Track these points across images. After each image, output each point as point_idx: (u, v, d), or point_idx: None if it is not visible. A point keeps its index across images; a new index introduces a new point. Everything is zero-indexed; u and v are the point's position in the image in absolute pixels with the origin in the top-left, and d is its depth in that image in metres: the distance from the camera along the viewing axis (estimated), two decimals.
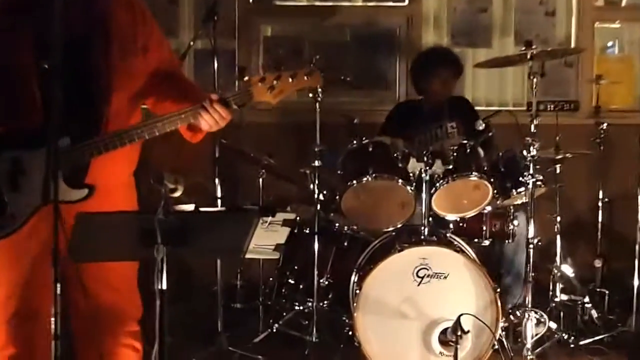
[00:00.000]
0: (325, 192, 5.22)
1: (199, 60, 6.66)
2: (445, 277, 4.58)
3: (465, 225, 5.23)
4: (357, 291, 4.60)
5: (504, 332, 4.76)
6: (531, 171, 4.92)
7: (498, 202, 5.12)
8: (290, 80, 3.16)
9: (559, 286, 5.50)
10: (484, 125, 5.06)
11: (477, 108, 6.27)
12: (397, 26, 7.11)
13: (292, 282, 5.54)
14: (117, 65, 3.19)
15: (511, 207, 5.32)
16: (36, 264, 3.17)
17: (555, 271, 5.56)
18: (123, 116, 3.23)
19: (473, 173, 4.86)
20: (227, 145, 5.33)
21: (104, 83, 3.17)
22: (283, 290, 5.58)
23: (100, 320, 3.32)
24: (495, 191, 4.96)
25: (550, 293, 5.50)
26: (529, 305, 4.89)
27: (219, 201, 5.12)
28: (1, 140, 3.11)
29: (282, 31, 7.26)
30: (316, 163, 5.11)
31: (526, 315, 4.86)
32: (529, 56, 4.97)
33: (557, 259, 5.64)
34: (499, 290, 4.59)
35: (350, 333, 4.72)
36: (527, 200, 5.00)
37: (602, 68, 6.93)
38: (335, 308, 5.25)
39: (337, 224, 5.38)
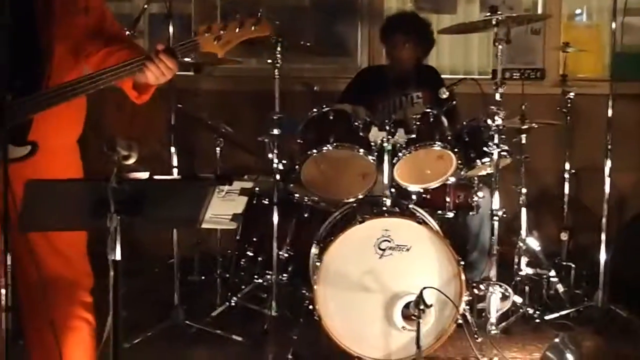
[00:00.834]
0: (284, 161, 5.12)
1: (153, 24, 6.56)
2: (407, 250, 4.51)
3: (428, 196, 5.16)
4: (318, 264, 4.53)
5: (467, 307, 4.70)
6: (496, 141, 4.86)
7: (462, 172, 5.06)
8: (237, 30, 3.12)
9: (524, 260, 5.45)
10: (447, 93, 5.05)
11: (441, 76, 6.17)
12: None
13: (251, 254, 5.52)
14: (58, 22, 3.15)
15: (475, 179, 5.27)
16: None
17: (521, 244, 5.52)
18: (65, 74, 3.17)
19: (436, 142, 4.80)
20: (184, 113, 5.24)
21: (45, 39, 3.14)
22: (241, 263, 5.57)
23: (49, 289, 3.19)
24: (459, 162, 4.90)
25: (515, 267, 5.44)
26: (494, 279, 4.84)
27: (175, 170, 5.03)
28: None
29: None
30: (275, 132, 5.02)
31: (490, 289, 4.80)
32: (494, 22, 4.89)
33: (523, 231, 5.58)
34: (462, 263, 4.53)
35: (310, 307, 4.63)
36: (492, 171, 4.95)
37: (570, 36, 6.87)
38: (295, 281, 5.20)
39: (297, 195, 5.28)
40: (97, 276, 3.36)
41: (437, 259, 4.51)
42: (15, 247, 2.79)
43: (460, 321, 4.54)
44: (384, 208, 4.70)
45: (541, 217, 6.48)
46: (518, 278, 5.37)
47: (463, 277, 4.48)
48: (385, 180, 4.74)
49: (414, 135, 4.77)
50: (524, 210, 5.61)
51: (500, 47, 4.89)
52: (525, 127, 5.47)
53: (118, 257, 2.69)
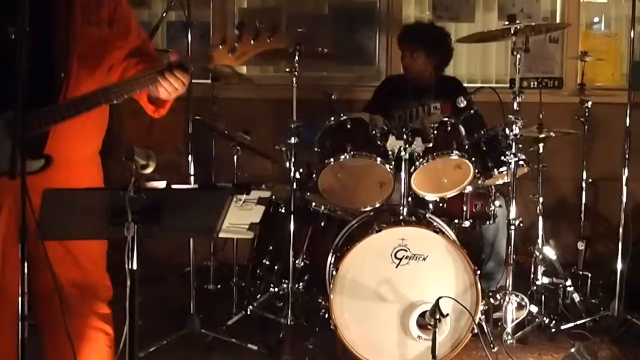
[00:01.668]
0: (301, 170, 5.11)
1: (172, 32, 6.61)
2: (424, 259, 4.50)
3: (445, 205, 5.14)
4: (334, 273, 4.53)
5: (483, 316, 4.71)
6: (513, 150, 4.86)
7: (479, 182, 5.05)
8: (252, 42, 3.01)
9: (540, 269, 5.43)
10: (465, 102, 5.02)
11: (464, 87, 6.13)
12: None
13: (267, 263, 5.48)
14: (78, 34, 3.12)
15: (492, 188, 5.24)
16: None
17: (537, 253, 5.50)
18: (84, 87, 3.14)
19: (454, 152, 4.78)
20: (201, 122, 5.25)
21: (63, 51, 3.11)
22: (258, 272, 5.52)
23: (67, 301, 3.17)
24: (476, 171, 4.88)
25: (532, 276, 5.42)
26: (510, 289, 4.84)
27: (192, 178, 5.01)
28: None
29: (259, 3, 7.17)
30: (293, 140, 5.00)
31: (507, 299, 4.80)
32: (512, 31, 4.90)
33: (539, 241, 5.56)
34: (479, 272, 4.52)
35: (326, 316, 4.64)
36: (509, 180, 4.94)
37: (588, 44, 6.85)
38: (311, 290, 5.18)
39: (313, 204, 5.28)
40: (114, 284, 3.37)
41: (453, 268, 4.50)
42: (33, 256, 2.75)
43: (476, 331, 4.52)
44: (401, 217, 4.70)
45: (558, 227, 6.47)
46: (534, 287, 5.35)
47: (479, 286, 4.47)
48: (403, 189, 4.73)
49: (431, 144, 4.75)
50: (540, 220, 5.59)
51: (518, 56, 4.90)
52: (542, 136, 5.45)
53: (135, 266, 2.70)
